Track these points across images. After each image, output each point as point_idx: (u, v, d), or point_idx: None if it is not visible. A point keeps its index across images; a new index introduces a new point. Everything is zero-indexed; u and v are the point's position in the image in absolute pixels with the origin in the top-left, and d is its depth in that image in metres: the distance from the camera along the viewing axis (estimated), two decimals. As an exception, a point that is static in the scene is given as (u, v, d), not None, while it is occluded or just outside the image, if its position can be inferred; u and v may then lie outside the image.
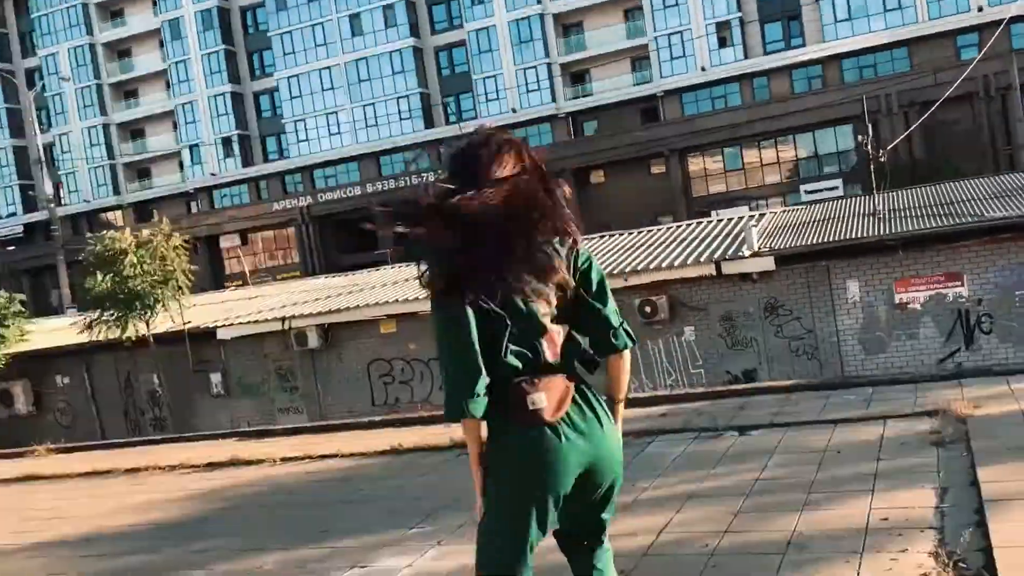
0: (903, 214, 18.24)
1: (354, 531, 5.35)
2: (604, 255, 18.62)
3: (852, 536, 3.84)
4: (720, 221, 20.65)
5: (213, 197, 57.50)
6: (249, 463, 7.86)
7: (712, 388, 7.66)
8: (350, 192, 48.84)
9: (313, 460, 7.46)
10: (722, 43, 46.67)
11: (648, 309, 16.92)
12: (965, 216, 16.39)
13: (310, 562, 4.91)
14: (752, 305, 16.75)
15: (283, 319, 19.40)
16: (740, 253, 16.33)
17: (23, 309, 20.93)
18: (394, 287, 20.12)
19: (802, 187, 43.57)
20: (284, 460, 7.67)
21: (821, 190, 41.66)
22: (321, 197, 49.39)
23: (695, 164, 45.95)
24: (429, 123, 51.95)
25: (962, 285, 15.77)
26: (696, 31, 46.39)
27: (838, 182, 43.25)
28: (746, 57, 46.33)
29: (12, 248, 56.94)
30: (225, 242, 51.03)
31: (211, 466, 8.06)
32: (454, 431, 7.52)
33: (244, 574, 4.90)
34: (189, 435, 10.82)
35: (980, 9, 41.50)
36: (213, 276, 46.78)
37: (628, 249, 18.74)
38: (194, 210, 55.51)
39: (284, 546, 5.31)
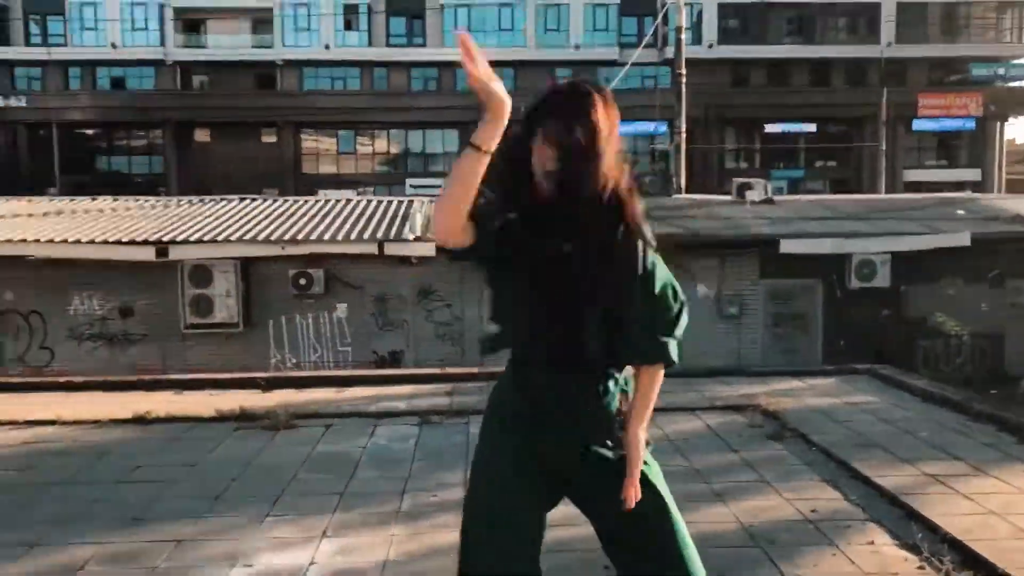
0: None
1: (181, 517, 4.31)
2: (259, 221, 17.45)
3: (804, 528, 3.96)
4: (379, 201, 20.45)
5: None
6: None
7: (483, 369, 7.45)
8: None
9: (20, 426, 5.89)
10: (348, 25, 46.44)
11: (303, 281, 16.23)
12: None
13: (158, 558, 3.82)
14: (406, 288, 16.87)
15: None
16: (404, 236, 16.33)
17: None
18: (-17, 224, 16.91)
19: (408, 180, 45.05)
20: (-29, 426, 5.94)
21: (426, 186, 43.45)
22: None
23: (308, 141, 45.25)
24: (4, 40, 44.39)
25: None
26: (324, 7, 45.61)
27: (441, 181, 45.40)
28: (370, 44, 46.61)
29: None
30: None
31: None
32: (215, 400, 6.52)
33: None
34: None
35: (577, 47, 46.35)
36: None
37: (287, 216, 17.76)
38: None
39: (89, 539, 4.09)
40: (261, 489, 4.68)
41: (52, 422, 5.99)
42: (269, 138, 44.28)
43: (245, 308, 16.15)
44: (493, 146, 2.01)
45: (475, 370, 7.62)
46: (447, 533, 3.99)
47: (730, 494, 4.51)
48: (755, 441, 5.45)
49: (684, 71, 25.30)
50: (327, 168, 45.50)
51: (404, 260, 16.68)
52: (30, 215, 17.73)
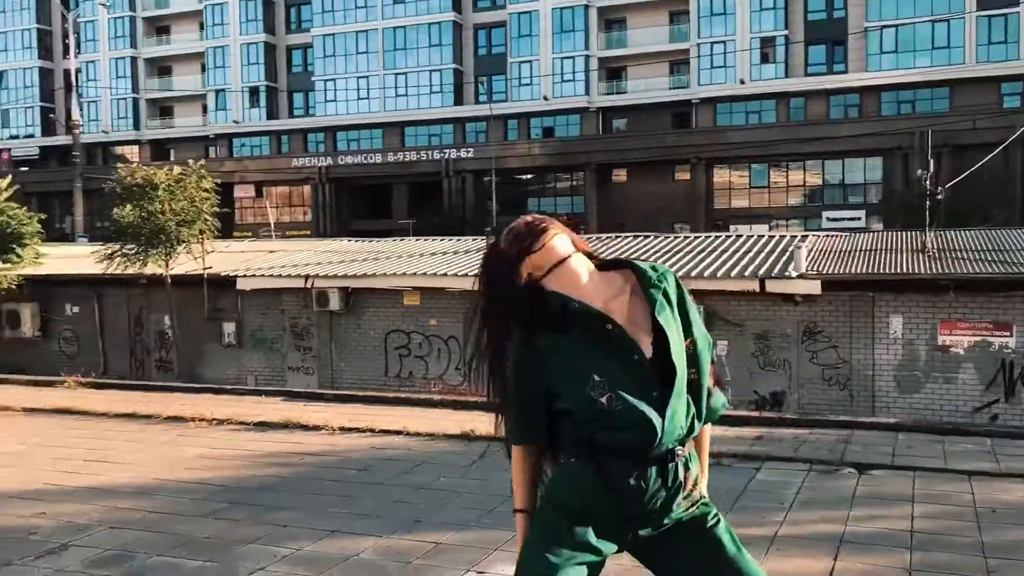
0: (953, 255, 17.83)
1: (451, 525, 4.90)
2: (644, 258, 18.21)
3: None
4: (757, 237, 20.22)
5: (232, 145, 56.82)
6: (305, 428, 7.42)
7: (804, 416, 7.26)
8: (370, 159, 48.32)
9: (375, 434, 7.01)
10: (764, 58, 46.16)
11: (684, 318, 16.49)
12: (1021, 265, 15.97)
13: (414, 556, 4.47)
14: (791, 327, 16.36)
15: (307, 277, 18.92)
16: (787, 273, 15.92)
17: (41, 230, 20.35)
18: (420, 259, 19.71)
19: (824, 214, 43.28)
20: (343, 430, 7.22)
21: (843, 219, 41.34)
22: (341, 160, 48.80)
23: (720, 176, 45.58)
24: (459, 100, 51.32)
25: (1010, 335, 15.36)
26: (740, 43, 45.85)
27: (861, 213, 42.98)
28: (786, 75, 45.83)
29: (26, 169, 56.12)
30: (240, 191, 50.42)
31: (263, 426, 7.62)
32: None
33: (339, 560, 4.45)
34: (231, 387, 10.36)
35: (1030, 58, 41.13)
36: (225, 224, 46.18)
37: (668, 252, 18.31)
38: (212, 155, 54.80)
39: (375, 532, 4.87)
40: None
41: (399, 432, 7.05)
42: (683, 175, 45.42)
43: (629, 343, 16.85)
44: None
45: (789, 415, 7.37)
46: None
47: (1003, 573, 3.95)
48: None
49: None
50: (739, 202, 45.45)
51: (787, 298, 16.25)
52: (455, 252, 20.35)
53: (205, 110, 57.48)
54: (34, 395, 9.49)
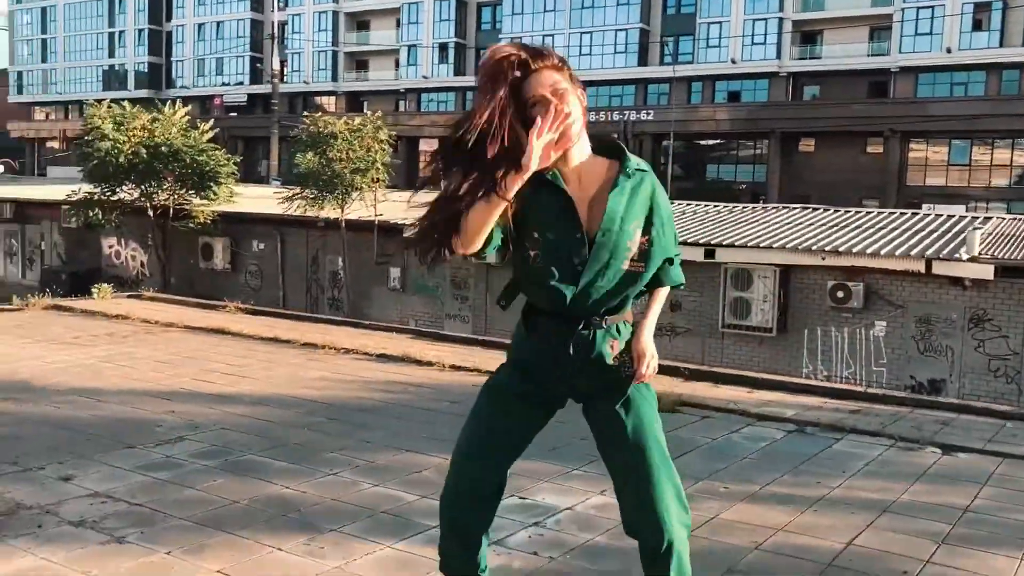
0: None
1: (515, 457, 5.22)
2: (803, 229, 17.68)
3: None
4: (934, 216, 19.11)
5: (421, 100, 58.80)
6: (419, 362, 7.98)
7: (911, 395, 7.05)
8: (549, 117, 48.59)
9: (481, 374, 7.41)
10: (977, 25, 42.67)
11: (840, 294, 16.00)
12: None
13: (469, 478, 4.85)
14: (956, 312, 15.50)
15: (467, 229, 19.57)
16: (957, 255, 15.06)
17: (236, 172, 22.18)
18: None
19: (1033, 196, 39.86)
20: (453, 367, 7.70)
21: (1057, 204, 37.98)
22: (521, 117, 49.41)
23: (916, 151, 42.80)
24: (643, 61, 50.68)
25: None
26: (950, 8, 42.62)
27: (1074, 200, 39.27)
28: (1001, 44, 42.21)
29: (234, 115, 60.64)
30: (424, 145, 52.24)
31: (383, 357, 8.24)
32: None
33: (404, 473, 4.91)
34: (367, 323, 11.14)
35: None
36: (408, 176, 48.10)
37: (830, 227, 17.68)
38: (401, 109, 57.00)
39: (443, 455, 5.28)
40: (589, 451, 5.37)
41: (502, 374, 7.46)
42: (875, 148, 43.05)
43: (781, 315, 16.53)
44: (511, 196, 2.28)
45: (893, 393, 7.13)
46: (703, 514, 4.24)
47: (1040, 559, 3.83)
48: None
49: None
50: (934, 180, 42.57)
51: (955, 282, 15.42)
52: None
53: (397, 64, 59.80)
54: (198, 316, 10.62)
